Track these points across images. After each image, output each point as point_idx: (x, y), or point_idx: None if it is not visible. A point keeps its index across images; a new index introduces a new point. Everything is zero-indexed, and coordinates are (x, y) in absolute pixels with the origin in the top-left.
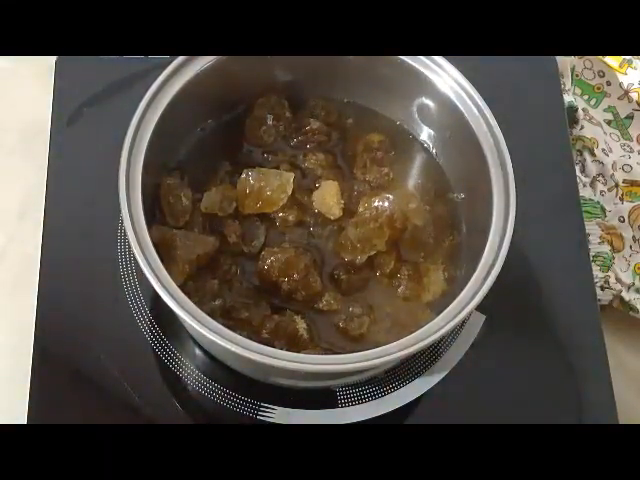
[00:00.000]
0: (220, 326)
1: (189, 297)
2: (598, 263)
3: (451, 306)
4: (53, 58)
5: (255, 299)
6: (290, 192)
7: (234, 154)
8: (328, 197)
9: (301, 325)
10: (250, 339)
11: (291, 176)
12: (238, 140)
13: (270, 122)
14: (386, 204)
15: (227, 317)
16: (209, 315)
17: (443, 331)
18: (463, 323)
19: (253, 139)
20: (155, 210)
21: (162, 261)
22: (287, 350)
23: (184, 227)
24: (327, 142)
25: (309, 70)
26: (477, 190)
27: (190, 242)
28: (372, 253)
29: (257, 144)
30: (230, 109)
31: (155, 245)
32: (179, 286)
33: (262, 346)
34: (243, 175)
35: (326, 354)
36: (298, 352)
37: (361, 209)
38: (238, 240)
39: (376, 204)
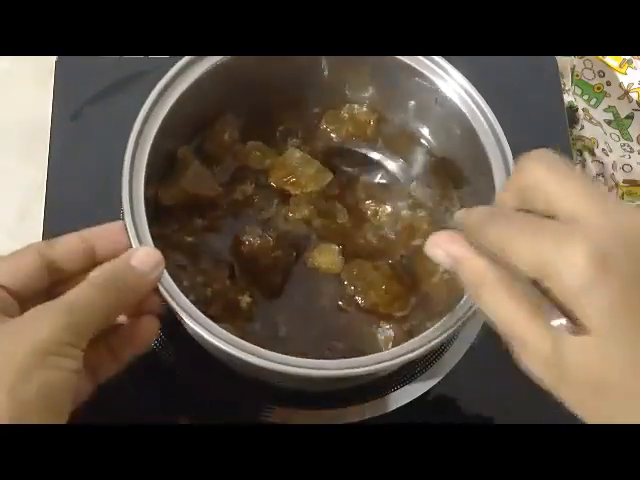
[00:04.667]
0: (221, 329)
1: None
2: None
3: (453, 311)
4: (53, 58)
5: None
6: (320, 187)
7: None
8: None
9: (245, 300)
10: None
11: (330, 176)
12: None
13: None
14: (395, 208)
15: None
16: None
17: (445, 335)
18: (463, 323)
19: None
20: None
21: (166, 174)
22: (226, 322)
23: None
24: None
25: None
26: (479, 189)
27: (200, 176)
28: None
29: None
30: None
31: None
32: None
33: (263, 350)
34: (290, 149)
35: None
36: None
37: (370, 214)
38: (244, 198)
39: (387, 208)
